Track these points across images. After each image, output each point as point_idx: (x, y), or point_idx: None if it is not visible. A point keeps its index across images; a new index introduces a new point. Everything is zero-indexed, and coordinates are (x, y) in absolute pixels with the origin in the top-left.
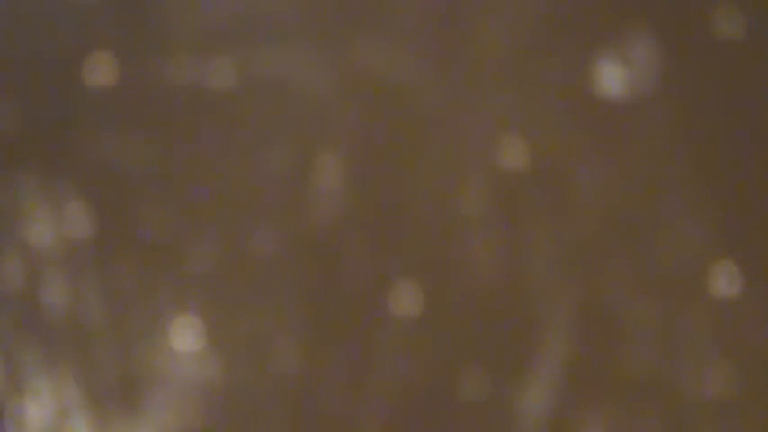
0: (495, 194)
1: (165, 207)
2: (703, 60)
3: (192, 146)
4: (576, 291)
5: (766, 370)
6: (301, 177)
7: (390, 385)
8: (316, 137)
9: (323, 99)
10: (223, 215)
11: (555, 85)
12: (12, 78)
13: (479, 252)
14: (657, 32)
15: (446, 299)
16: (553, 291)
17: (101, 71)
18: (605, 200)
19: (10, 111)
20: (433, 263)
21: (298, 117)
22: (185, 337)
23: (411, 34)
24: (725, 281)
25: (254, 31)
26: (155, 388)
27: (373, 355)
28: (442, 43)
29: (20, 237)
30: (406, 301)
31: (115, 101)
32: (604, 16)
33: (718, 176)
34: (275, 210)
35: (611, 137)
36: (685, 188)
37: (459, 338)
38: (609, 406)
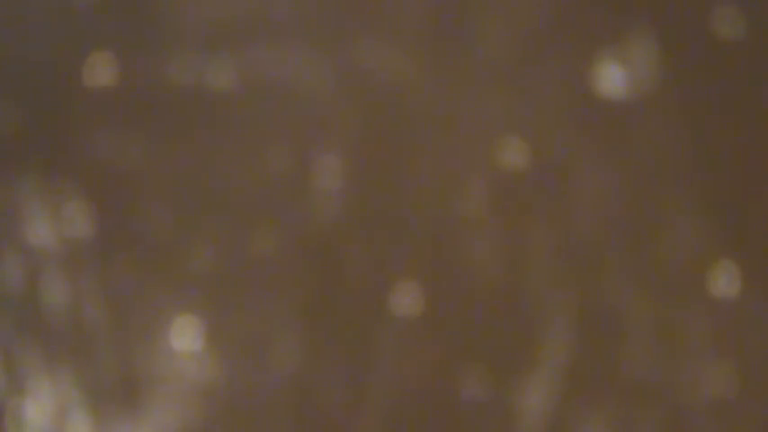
0: (495, 194)
1: (165, 207)
2: (703, 60)
3: (192, 146)
4: (576, 291)
5: (766, 370)
6: (301, 177)
7: (390, 385)
8: (316, 137)
9: (323, 99)
10: (223, 215)
11: (555, 85)
12: (12, 78)
13: (479, 252)
14: (657, 32)
15: (446, 299)
16: (553, 291)
17: (101, 71)
18: (605, 200)
19: (10, 111)
20: (433, 263)
21: (298, 117)
22: (185, 337)
23: (411, 34)
24: (725, 281)
25: (254, 31)
26: (155, 388)
27: (373, 355)
28: (442, 43)
29: (20, 237)
30: (406, 301)
31: (115, 101)
32: (604, 16)
33: (719, 176)
34: (275, 210)
35: (611, 137)
36: (685, 188)
37: (459, 338)
38: (609, 406)
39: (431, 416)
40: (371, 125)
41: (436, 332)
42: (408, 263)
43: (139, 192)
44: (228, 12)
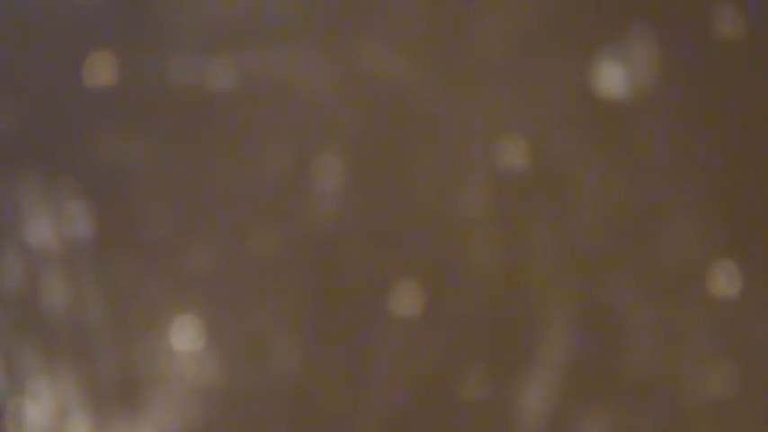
0: (495, 194)
1: (165, 207)
2: (703, 60)
3: (192, 146)
4: (576, 291)
5: (766, 370)
6: (301, 177)
7: (390, 385)
8: (316, 137)
9: (323, 99)
10: (223, 215)
11: (555, 85)
12: (12, 78)
13: (479, 252)
14: (657, 32)
15: (446, 299)
16: (553, 291)
17: (101, 71)
18: (605, 200)
19: (10, 111)
20: (433, 263)
21: (298, 117)
22: (185, 337)
23: (411, 34)
24: (725, 281)
25: (254, 31)
26: (155, 388)
27: (373, 355)
28: (442, 43)
29: (20, 237)
30: (406, 301)
31: (115, 101)
32: (604, 16)
33: (718, 176)
34: (275, 210)
35: (611, 137)
36: (685, 188)
37: (459, 338)
38: (609, 406)
39: (431, 416)
40: (371, 125)
41: (436, 332)
42: (408, 263)
43: (139, 192)
44: (228, 12)
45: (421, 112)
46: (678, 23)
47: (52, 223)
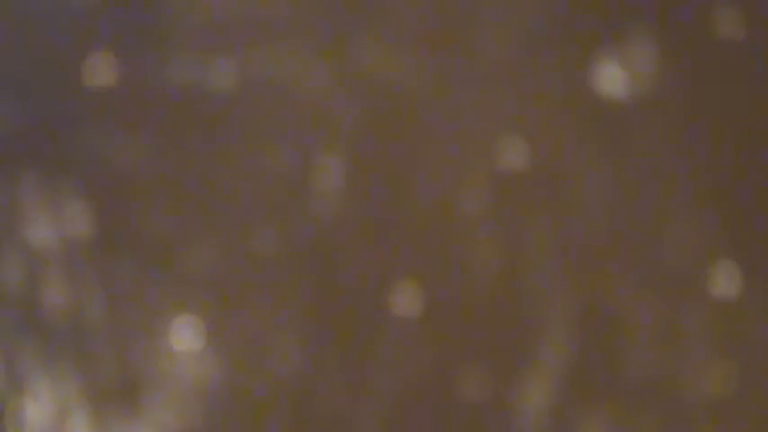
0: (495, 194)
1: (165, 207)
2: (703, 60)
3: (193, 146)
4: (576, 291)
5: (766, 370)
6: (301, 177)
7: (390, 385)
8: (316, 137)
9: (323, 99)
10: (223, 215)
11: (555, 85)
12: (12, 78)
13: (479, 252)
14: (657, 32)
15: (446, 299)
16: (553, 291)
17: (101, 71)
18: (605, 200)
19: (10, 111)
20: (433, 263)
21: (298, 117)
22: (185, 337)
23: (411, 34)
24: (725, 281)
25: (254, 31)
26: (155, 388)
27: (373, 355)
28: (442, 43)
29: (20, 237)
30: (406, 301)
31: (115, 101)
32: (604, 16)
33: (718, 176)
34: (275, 210)
35: (611, 137)
36: (685, 188)
37: (459, 338)
38: (609, 406)
39: (430, 416)
40: (371, 125)
41: (436, 332)
42: (408, 263)
43: (139, 192)
44: (229, 12)
45: (421, 112)
46: (678, 24)
47: (52, 223)
